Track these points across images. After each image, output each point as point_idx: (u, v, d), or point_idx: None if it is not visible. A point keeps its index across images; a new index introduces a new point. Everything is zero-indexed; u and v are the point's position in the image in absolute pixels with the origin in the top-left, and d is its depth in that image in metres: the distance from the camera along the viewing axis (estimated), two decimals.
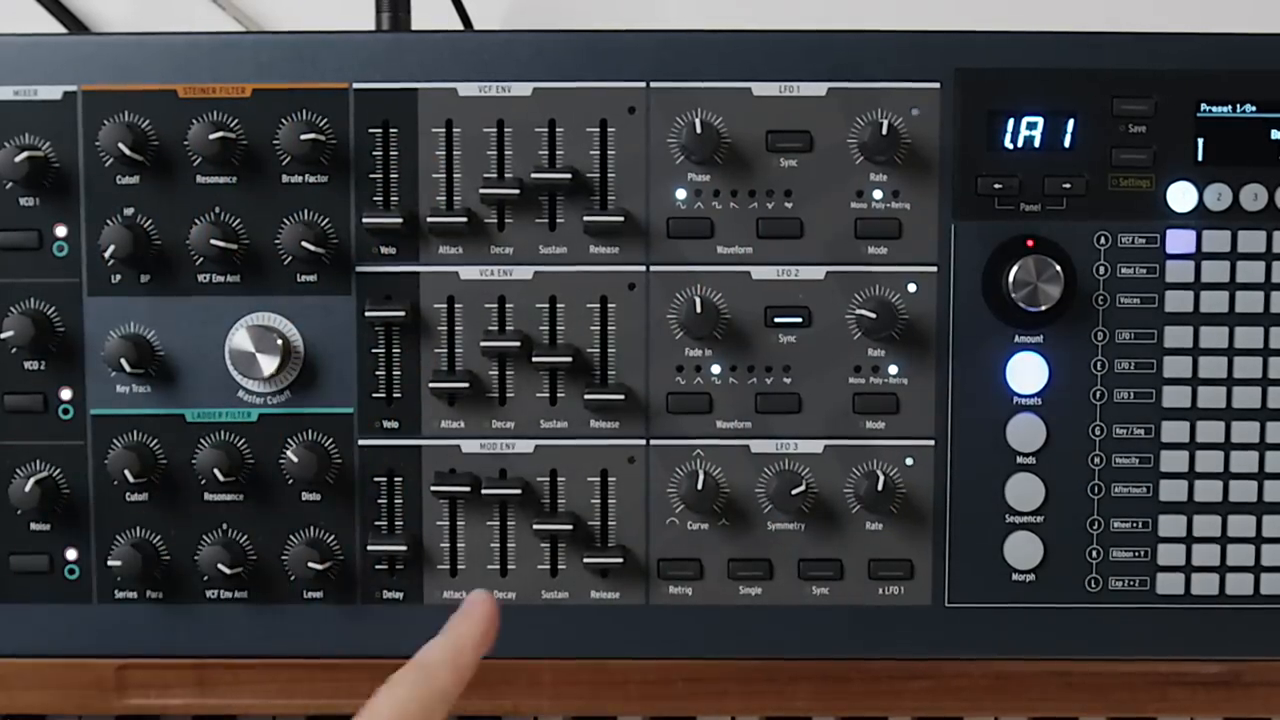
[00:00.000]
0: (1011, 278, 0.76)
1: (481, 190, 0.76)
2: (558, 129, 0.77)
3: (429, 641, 0.68)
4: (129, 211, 0.77)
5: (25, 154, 0.75)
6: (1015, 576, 0.78)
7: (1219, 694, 0.79)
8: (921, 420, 0.78)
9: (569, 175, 0.76)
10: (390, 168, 0.77)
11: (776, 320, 0.77)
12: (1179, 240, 0.77)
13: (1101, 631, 0.78)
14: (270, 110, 0.76)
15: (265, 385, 0.77)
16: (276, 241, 0.77)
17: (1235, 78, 0.77)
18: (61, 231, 0.77)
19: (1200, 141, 0.77)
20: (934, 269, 0.77)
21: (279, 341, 0.77)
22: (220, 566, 0.77)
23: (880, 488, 0.77)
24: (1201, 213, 0.77)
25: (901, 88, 0.77)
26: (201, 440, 0.77)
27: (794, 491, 0.77)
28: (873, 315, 0.76)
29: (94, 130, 0.76)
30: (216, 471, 0.76)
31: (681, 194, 0.77)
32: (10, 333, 0.76)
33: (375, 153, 0.77)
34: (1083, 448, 0.78)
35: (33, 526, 0.78)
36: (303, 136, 0.75)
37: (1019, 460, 0.78)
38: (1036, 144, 0.77)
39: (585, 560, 0.78)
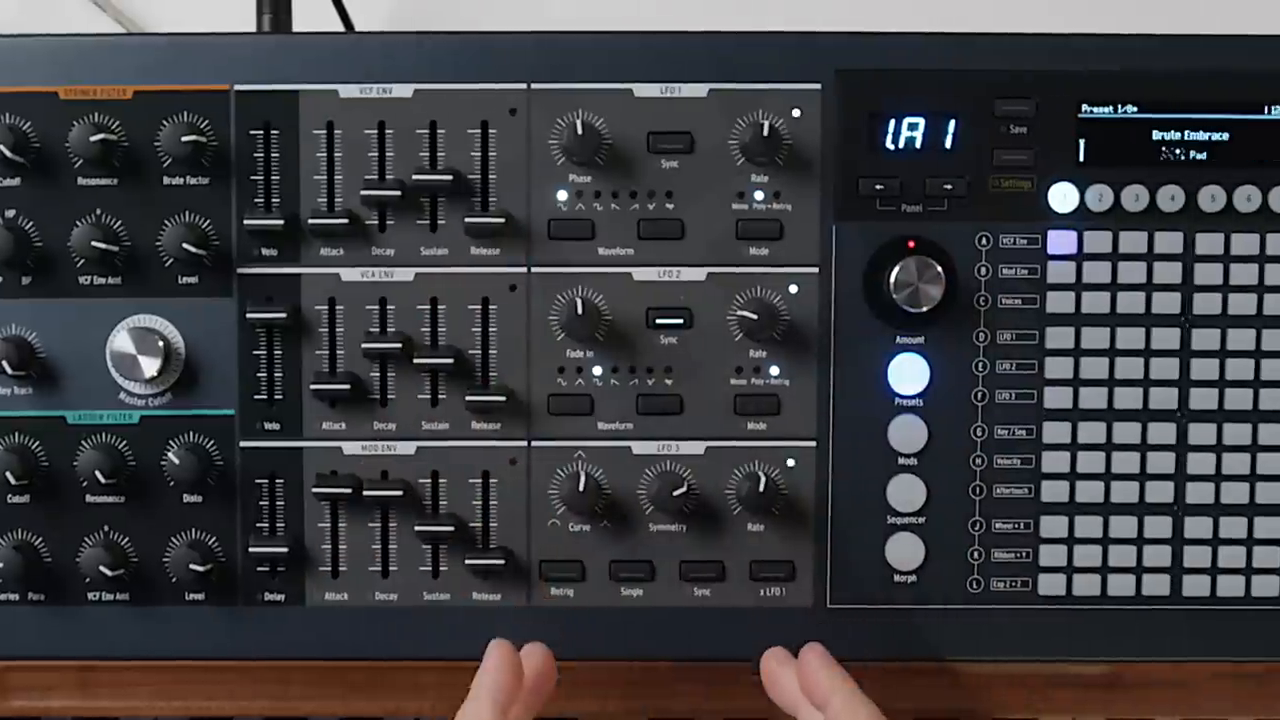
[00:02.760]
0: (893, 279, 0.76)
1: (363, 192, 0.76)
2: (439, 130, 0.77)
3: None
4: (10, 213, 0.77)
5: None
6: (897, 578, 0.78)
7: (1101, 695, 0.79)
8: (803, 421, 0.78)
9: (450, 177, 0.76)
10: (271, 169, 0.77)
11: (658, 321, 0.77)
12: (1060, 241, 0.77)
13: (983, 632, 0.78)
14: (151, 112, 0.76)
15: (147, 387, 0.77)
16: (158, 243, 0.76)
17: (1116, 79, 0.77)
18: None
19: (1081, 142, 0.77)
20: (815, 270, 0.77)
21: (160, 343, 0.76)
22: (102, 568, 0.76)
23: (762, 489, 0.77)
24: (1083, 213, 0.77)
25: (782, 89, 0.77)
26: (83, 442, 0.77)
27: (675, 493, 0.77)
28: (754, 316, 0.76)
29: None
30: (98, 473, 0.76)
31: (563, 195, 0.77)
32: None
33: (256, 154, 0.77)
34: (964, 449, 0.78)
35: None
36: (184, 138, 0.75)
37: (900, 461, 0.78)
38: (918, 145, 0.77)
39: (467, 561, 0.78)
